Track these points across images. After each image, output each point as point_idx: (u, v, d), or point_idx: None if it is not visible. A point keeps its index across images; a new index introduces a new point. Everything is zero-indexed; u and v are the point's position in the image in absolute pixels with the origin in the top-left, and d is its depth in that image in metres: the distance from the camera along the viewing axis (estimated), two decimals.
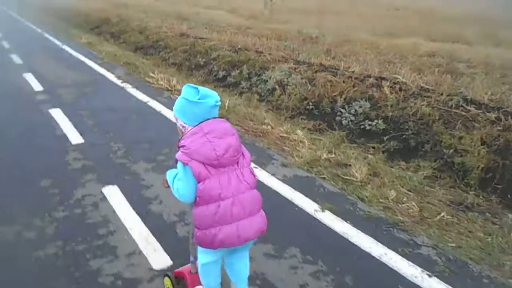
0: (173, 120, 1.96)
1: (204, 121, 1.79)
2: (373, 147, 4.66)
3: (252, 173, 1.90)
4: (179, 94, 1.89)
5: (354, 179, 3.80)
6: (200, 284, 2.15)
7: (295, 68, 6.77)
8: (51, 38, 12.95)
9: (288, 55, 7.60)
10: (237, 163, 1.84)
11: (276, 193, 3.59)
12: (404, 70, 6.24)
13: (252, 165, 3.80)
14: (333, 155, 4.19)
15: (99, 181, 3.75)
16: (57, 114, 5.56)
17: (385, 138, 4.71)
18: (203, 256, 1.94)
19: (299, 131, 4.85)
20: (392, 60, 7.19)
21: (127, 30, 12.56)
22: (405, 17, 15.60)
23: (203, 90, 1.83)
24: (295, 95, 5.99)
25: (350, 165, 3.97)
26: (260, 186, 3.42)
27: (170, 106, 5.76)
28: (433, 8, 19.94)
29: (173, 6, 20.16)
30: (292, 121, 5.51)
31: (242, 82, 7.03)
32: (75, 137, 4.74)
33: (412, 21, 14.19)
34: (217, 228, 1.78)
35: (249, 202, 1.83)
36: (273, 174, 3.92)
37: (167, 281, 2.38)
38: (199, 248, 1.93)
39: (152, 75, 7.57)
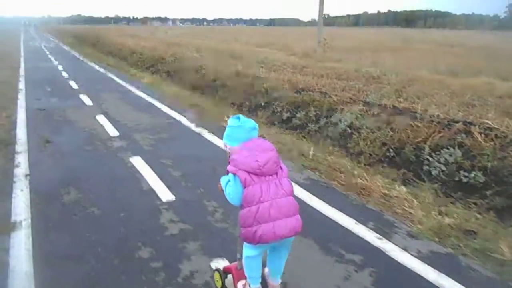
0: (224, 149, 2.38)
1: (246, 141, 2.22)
2: (475, 203, 4.14)
3: (290, 183, 2.26)
4: None
5: (500, 256, 3.12)
6: (245, 278, 2.48)
7: (366, 111, 6.43)
8: (114, 77, 13.29)
9: (355, 96, 7.27)
10: (276, 174, 2.22)
11: (420, 277, 2.91)
12: (491, 114, 5.73)
13: (376, 235, 3.42)
14: (451, 219, 3.65)
15: (204, 252, 3.16)
16: (138, 163, 5.11)
17: (487, 193, 4.19)
18: (247, 251, 2.32)
19: (402, 187, 4.39)
20: (471, 102, 6.68)
21: (183, 69, 12.78)
22: (463, 55, 15.03)
23: (243, 117, 2.29)
24: (372, 140, 5.61)
25: (475, 232, 3.43)
26: (396, 267, 2.96)
27: None
28: (489, 45, 19.24)
29: (224, 45, 20.65)
30: (372, 169, 5.10)
31: (309, 124, 6.74)
32: (164, 193, 4.23)
33: (473, 59, 13.60)
34: (257, 226, 2.13)
35: (284, 206, 2.17)
36: (405, 249, 3.27)
37: (217, 275, 2.68)
38: (244, 244, 2.31)
39: (226, 119, 7.47)
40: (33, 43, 33.39)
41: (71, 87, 11.30)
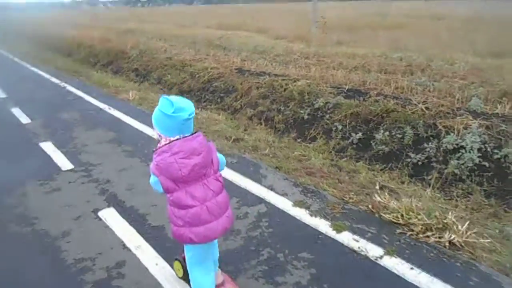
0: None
1: (178, 137, 1.96)
2: None
3: (218, 180, 2.11)
4: None
5: None
6: None
7: (487, 127, 4.32)
8: (82, 94, 8.66)
9: (451, 102, 5.11)
10: (205, 175, 2.04)
11: None
12: None
13: None
14: None
15: None
16: None
17: None
18: (188, 254, 2.27)
19: None
20: None
21: (157, 65, 9.94)
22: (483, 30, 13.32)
23: (178, 103, 1.92)
24: None
25: None
26: None
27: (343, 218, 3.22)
28: (484, 15, 17.87)
29: (186, 30, 17.67)
30: None
31: (407, 152, 4.51)
32: None
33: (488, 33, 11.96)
34: (188, 229, 2.04)
35: (215, 208, 2.07)
36: None
37: (177, 264, 2.63)
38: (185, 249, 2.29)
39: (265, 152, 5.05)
40: None
41: (19, 122, 6.69)
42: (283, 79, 6.98)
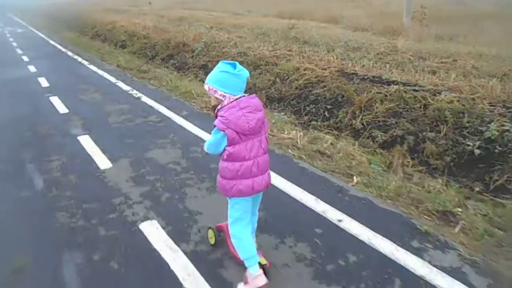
0: (207, 91, 2.23)
1: (240, 95, 2.18)
2: None
3: (267, 139, 2.32)
4: None
5: None
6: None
7: None
8: (144, 97, 6.97)
9: None
10: (260, 131, 2.25)
11: None
12: None
13: None
14: None
15: None
16: None
17: None
18: (233, 213, 2.37)
19: None
20: None
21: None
22: None
23: (238, 64, 2.18)
24: None
25: None
26: None
27: None
28: None
29: (244, 20, 16.10)
30: None
31: None
32: None
33: None
34: (238, 181, 2.23)
35: (263, 163, 2.29)
36: None
37: (210, 232, 2.82)
38: (229, 210, 2.38)
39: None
40: None
41: (96, 169, 4.20)
42: (415, 90, 5.30)
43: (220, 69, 2.18)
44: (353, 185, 3.73)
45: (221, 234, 2.75)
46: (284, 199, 3.51)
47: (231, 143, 2.17)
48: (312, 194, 3.55)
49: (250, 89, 7.22)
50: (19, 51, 13.28)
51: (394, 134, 4.77)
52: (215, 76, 2.19)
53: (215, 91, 2.19)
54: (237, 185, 2.23)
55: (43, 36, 18.22)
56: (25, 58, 11.66)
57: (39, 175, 4.12)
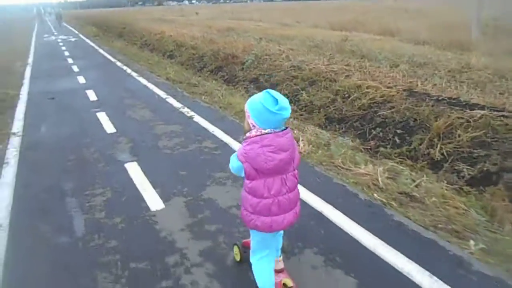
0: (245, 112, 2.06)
1: (269, 130, 1.99)
2: None
3: (295, 176, 2.14)
4: None
5: None
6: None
7: None
8: (197, 117, 6.39)
9: None
10: (285, 170, 2.06)
11: None
12: None
13: None
14: None
15: None
16: None
17: None
18: (253, 239, 2.32)
19: None
20: None
21: (283, 76, 7.97)
22: None
23: (282, 102, 1.94)
24: None
25: None
26: None
27: None
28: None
29: (293, 31, 15.66)
30: None
31: None
32: None
33: None
34: (255, 216, 2.12)
35: (286, 203, 2.11)
36: None
37: (236, 249, 2.76)
38: (251, 236, 2.33)
39: None
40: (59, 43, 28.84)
41: (145, 209, 3.61)
42: (505, 116, 4.58)
43: (261, 100, 1.97)
44: (471, 253, 2.87)
45: (247, 250, 2.58)
46: (385, 270, 2.70)
47: (248, 177, 2.06)
48: (423, 266, 2.68)
49: (306, 107, 6.71)
50: (70, 60, 13.47)
51: (485, 169, 4.08)
52: (254, 103, 2.02)
53: (248, 116, 2.07)
54: (254, 220, 2.13)
55: (93, 45, 18.61)
56: (75, 68, 11.70)
57: (81, 214, 3.56)
